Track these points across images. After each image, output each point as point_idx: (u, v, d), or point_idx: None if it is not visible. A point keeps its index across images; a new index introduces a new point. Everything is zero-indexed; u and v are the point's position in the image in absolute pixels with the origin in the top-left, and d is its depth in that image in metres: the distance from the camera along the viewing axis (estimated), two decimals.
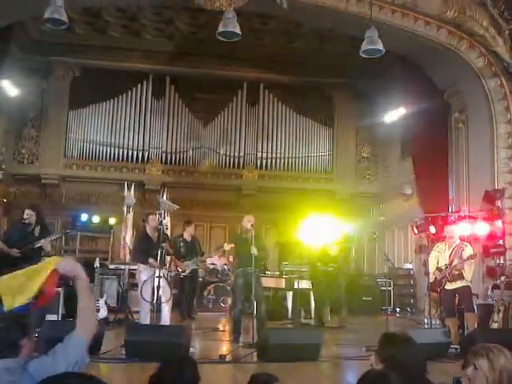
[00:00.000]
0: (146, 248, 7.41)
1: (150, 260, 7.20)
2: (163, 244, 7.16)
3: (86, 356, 2.06)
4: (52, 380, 1.61)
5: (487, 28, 9.51)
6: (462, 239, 7.56)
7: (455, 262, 6.89)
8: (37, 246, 6.82)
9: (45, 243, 6.90)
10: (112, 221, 12.84)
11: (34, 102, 13.86)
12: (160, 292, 6.92)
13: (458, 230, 7.57)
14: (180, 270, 9.03)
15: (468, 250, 6.99)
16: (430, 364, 4.96)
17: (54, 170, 13.76)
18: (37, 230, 7.00)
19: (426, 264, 7.90)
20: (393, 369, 2.20)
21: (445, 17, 9.44)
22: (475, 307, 7.30)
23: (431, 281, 7.36)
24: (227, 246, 10.97)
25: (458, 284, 6.91)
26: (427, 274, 7.48)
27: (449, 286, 6.97)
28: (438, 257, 7.13)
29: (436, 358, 5.66)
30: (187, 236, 9.66)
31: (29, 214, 7.00)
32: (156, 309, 6.89)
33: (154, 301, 6.93)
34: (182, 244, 9.45)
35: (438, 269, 7.05)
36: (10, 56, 11.81)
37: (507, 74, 9.54)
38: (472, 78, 9.85)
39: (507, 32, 9.56)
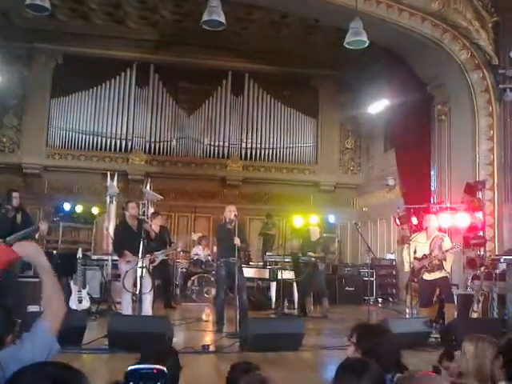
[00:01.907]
0: (125, 238, 7.33)
1: (126, 254, 7.14)
2: (145, 224, 7.12)
3: (55, 343, 2.04)
4: (28, 369, 1.61)
5: (471, 21, 9.57)
6: (439, 230, 7.66)
7: (435, 253, 7.00)
8: (25, 233, 6.54)
9: (43, 224, 6.59)
10: (95, 211, 12.72)
11: (16, 89, 13.64)
12: (142, 282, 6.90)
13: (436, 219, 7.65)
14: (150, 261, 9.03)
15: (447, 242, 7.14)
16: (410, 352, 5.06)
17: (35, 159, 13.60)
18: (18, 218, 6.77)
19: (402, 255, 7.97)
20: (371, 358, 2.24)
21: (429, 9, 9.47)
22: (454, 297, 7.43)
23: (406, 270, 7.48)
24: (195, 236, 11.01)
25: (437, 275, 7.02)
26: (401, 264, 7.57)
27: (427, 277, 7.07)
28: (416, 247, 7.21)
29: (416, 346, 5.77)
30: (155, 227, 9.62)
31: (17, 196, 6.83)
32: (138, 299, 6.87)
33: (137, 291, 6.91)
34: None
35: (416, 258, 7.15)
36: None
37: (489, 67, 9.62)
38: (455, 71, 9.92)
39: (490, 25, 9.64)
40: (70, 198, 12.90)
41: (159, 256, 9.12)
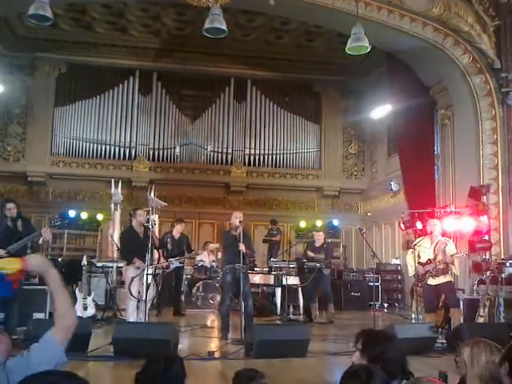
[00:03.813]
0: (132, 245, 7.35)
1: (135, 260, 7.14)
2: (150, 231, 7.14)
3: (63, 355, 2.04)
4: (32, 378, 1.61)
5: (472, 25, 9.58)
6: (443, 235, 7.62)
7: (440, 257, 6.97)
8: (28, 240, 6.38)
9: (45, 232, 6.34)
10: (99, 218, 12.78)
11: (20, 98, 13.74)
12: (148, 289, 6.91)
13: (439, 224, 7.61)
14: (164, 267, 9.03)
15: (451, 246, 7.10)
16: (416, 358, 5.03)
17: (40, 167, 13.65)
18: (19, 225, 6.58)
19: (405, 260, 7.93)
20: (377, 364, 2.24)
21: (430, 14, 9.49)
22: (461, 302, 7.39)
23: (410, 275, 7.44)
24: (213, 246, 11.07)
25: (441, 279, 6.99)
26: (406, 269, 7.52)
27: (431, 282, 7.03)
28: (420, 251, 7.18)
29: (423, 352, 5.73)
30: (175, 233, 9.72)
31: (11, 207, 6.55)
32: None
33: (142, 298, 6.90)
34: (169, 240, 9.49)
35: (420, 263, 7.11)
36: None
37: (492, 71, 9.63)
38: (457, 75, 9.92)
39: (492, 29, 9.65)
40: (75, 206, 12.95)
41: (174, 262, 9.14)
